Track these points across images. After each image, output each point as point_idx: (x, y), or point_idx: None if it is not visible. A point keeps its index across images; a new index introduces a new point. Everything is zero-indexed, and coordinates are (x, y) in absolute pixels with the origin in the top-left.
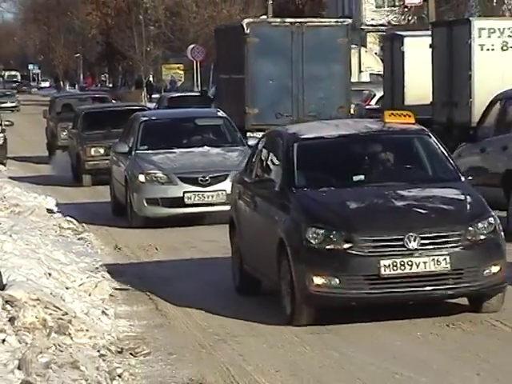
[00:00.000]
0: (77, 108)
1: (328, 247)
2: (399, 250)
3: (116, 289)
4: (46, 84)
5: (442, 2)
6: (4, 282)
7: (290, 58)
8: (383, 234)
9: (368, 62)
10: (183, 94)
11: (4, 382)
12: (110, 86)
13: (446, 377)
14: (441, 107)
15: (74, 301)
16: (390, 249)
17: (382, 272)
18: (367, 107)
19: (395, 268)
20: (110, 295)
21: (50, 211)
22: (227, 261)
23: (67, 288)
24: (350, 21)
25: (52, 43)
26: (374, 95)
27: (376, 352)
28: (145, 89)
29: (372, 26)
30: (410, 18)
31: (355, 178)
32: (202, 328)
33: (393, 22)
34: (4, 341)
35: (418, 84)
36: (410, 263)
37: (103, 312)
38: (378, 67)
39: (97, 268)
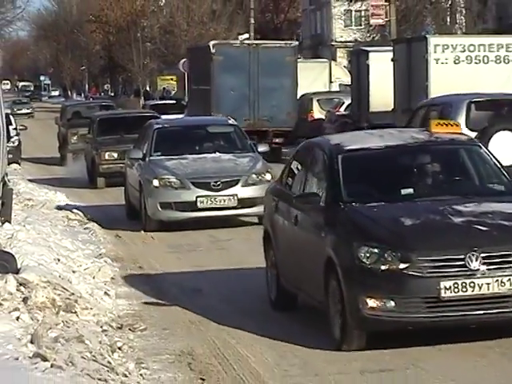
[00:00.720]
0: (92, 114)
1: (383, 267)
2: (460, 271)
3: (116, 271)
4: (56, 93)
5: (402, 21)
6: (18, 266)
7: (248, 72)
8: (443, 254)
9: (337, 74)
10: (162, 102)
11: (18, 354)
12: (112, 94)
13: None
14: (401, 113)
15: (80, 283)
16: (450, 269)
17: (442, 294)
18: (337, 113)
19: (456, 290)
20: (112, 278)
21: (59, 208)
22: (214, 245)
23: (74, 272)
24: (296, 43)
25: (61, 57)
26: (343, 103)
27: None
28: (142, 97)
29: (341, 42)
30: (374, 35)
31: (404, 192)
32: (192, 305)
33: (359, 39)
34: (18, 318)
35: (382, 93)
36: (471, 285)
37: (105, 293)
38: (346, 78)
39: (100, 254)
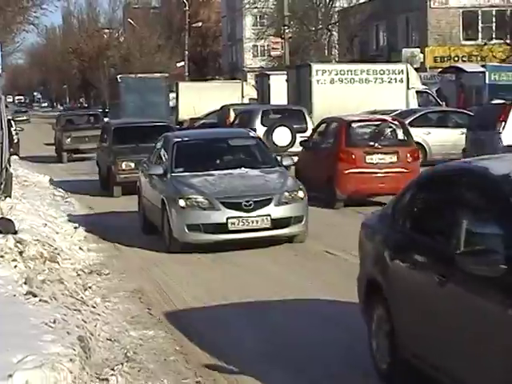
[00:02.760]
0: (106, 123)
1: None
2: None
3: (88, 232)
4: (45, 104)
5: (293, 53)
6: (16, 229)
7: (140, 93)
8: None
9: (248, 91)
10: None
11: (15, 292)
12: (86, 105)
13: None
14: None
15: (61, 241)
16: None
17: None
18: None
19: None
20: (84, 237)
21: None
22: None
23: (57, 233)
24: (166, 75)
25: (48, 79)
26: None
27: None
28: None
29: (250, 68)
30: (274, 63)
31: None
32: (142, 257)
33: (263, 66)
34: (16, 266)
35: (279, 103)
36: None
37: (80, 248)
38: (254, 94)
39: (76, 220)
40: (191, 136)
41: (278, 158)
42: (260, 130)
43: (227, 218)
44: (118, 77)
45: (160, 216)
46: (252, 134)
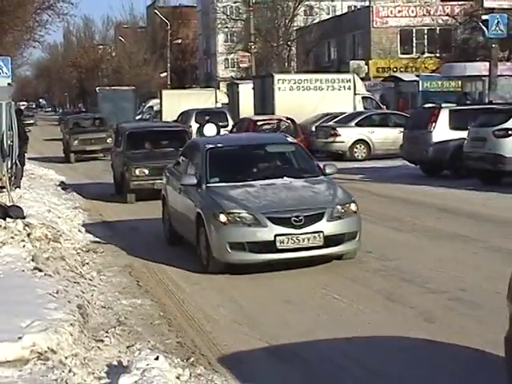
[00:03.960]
0: (120, 127)
1: None
2: None
3: (86, 217)
4: (49, 109)
5: (259, 65)
6: (24, 214)
7: (115, 101)
8: None
9: (220, 97)
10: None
11: (24, 268)
12: (84, 110)
13: None
14: None
15: (63, 224)
16: None
17: None
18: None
19: None
20: (83, 221)
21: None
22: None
23: (59, 217)
24: (133, 87)
25: (52, 87)
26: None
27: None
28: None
29: (223, 78)
30: (242, 74)
31: None
32: (134, 236)
33: (233, 76)
34: (24, 246)
35: (246, 108)
36: None
37: (79, 230)
38: (226, 100)
39: (75, 207)
40: (224, 142)
41: (321, 165)
42: (194, 126)
43: (275, 236)
44: (97, 89)
45: (194, 231)
46: (290, 139)
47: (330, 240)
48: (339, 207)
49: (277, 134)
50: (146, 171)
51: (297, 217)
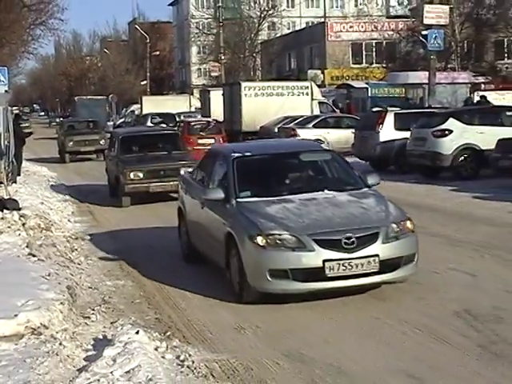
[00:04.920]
0: (113, 132)
1: None
2: None
3: (74, 209)
4: (42, 113)
5: (228, 74)
6: (20, 206)
7: (90, 107)
8: None
9: (194, 102)
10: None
11: (19, 254)
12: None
13: None
14: (228, 122)
15: (54, 215)
16: None
17: None
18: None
19: None
20: (72, 212)
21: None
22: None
23: (51, 209)
24: (104, 97)
25: (44, 94)
26: (196, 117)
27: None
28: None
29: (196, 85)
30: (213, 81)
31: None
32: (118, 225)
33: (205, 84)
34: (19, 234)
35: (217, 112)
36: None
37: (68, 220)
38: (199, 105)
39: (65, 200)
40: (252, 150)
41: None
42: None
43: (324, 261)
44: (76, 98)
45: (223, 253)
46: (325, 145)
47: (386, 265)
48: (394, 226)
49: (309, 140)
50: (141, 174)
51: (348, 238)
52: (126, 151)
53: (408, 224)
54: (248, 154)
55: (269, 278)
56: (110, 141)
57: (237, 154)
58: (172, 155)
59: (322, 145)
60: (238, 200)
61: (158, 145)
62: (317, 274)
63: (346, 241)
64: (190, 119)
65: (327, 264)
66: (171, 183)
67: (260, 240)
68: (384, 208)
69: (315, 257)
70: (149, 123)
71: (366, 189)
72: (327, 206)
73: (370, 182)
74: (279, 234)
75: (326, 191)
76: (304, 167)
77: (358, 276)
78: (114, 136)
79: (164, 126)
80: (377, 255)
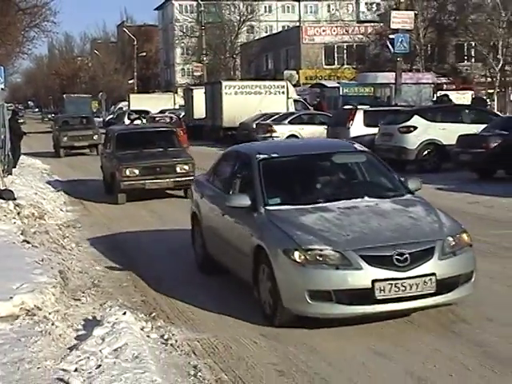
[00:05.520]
0: (109, 129)
1: None
2: None
3: (66, 199)
4: (36, 110)
5: (210, 73)
6: (15, 196)
7: (77, 104)
8: None
9: (178, 100)
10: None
11: (15, 240)
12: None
13: None
14: (209, 118)
15: (47, 205)
16: None
17: None
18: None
19: None
20: (64, 202)
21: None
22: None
23: (44, 199)
24: (90, 95)
25: (38, 92)
26: (180, 114)
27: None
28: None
29: (180, 84)
30: (196, 80)
31: None
32: (107, 215)
33: (189, 83)
34: (15, 222)
35: (200, 109)
36: None
37: (61, 209)
38: (182, 102)
39: (58, 190)
40: (279, 150)
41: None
42: (126, 121)
43: (373, 281)
44: (64, 96)
45: (250, 267)
46: (358, 146)
47: (443, 285)
48: (450, 239)
49: (340, 140)
50: (137, 171)
51: (400, 255)
52: (121, 148)
53: (465, 237)
54: (275, 155)
55: (308, 300)
56: (106, 138)
57: (262, 156)
58: (168, 152)
59: (356, 145)
60: (267, 208)
61: (153, 142)
62: (365, 296)
63: (398, 257)
64: (155, 115)
65: (377, 285)
66: (167, 180)
67: (298, 256)
68: (436, 218)
69: (363, 276)
70: (125, 119)
71: (409, 195)
72: (371, 215)
73: (411, 186)
74: (320, 250)
75: (366, 198)
76: (337, 170)
77: (412, 298)
78: (110, 133)
79: (139, 122)
80: (433, 274)
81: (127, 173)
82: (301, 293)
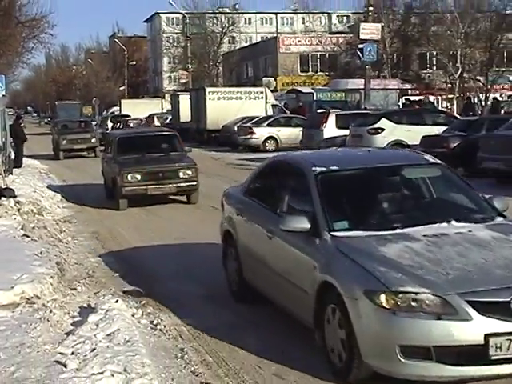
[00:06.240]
0: (110, 134)
1: None
2: None
3: (63, 197)
4: (35, 114)
5: (195, 80)
6: (16, 194)
7: (67, 110)
8: None
9: (165, 105)
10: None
11: (15, 235)
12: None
13: None
14: (194, 122)
15: (45, 202)
16: None
17: None
18: (165, 122)
19: None
20: (61, 199)
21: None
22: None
23: (42, 196)
24: (80, 102)
25: (37, 98)
26: (167, 118)
27: None
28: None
29: (168, 90)
30: (182, 87)
31: None
32: (99, 211)
33: (175, 89)
34: (15, 218)
35: (185, 113)
36: None
37: (58, 206)
38: (169, 107)
39: (55, 189)
40: (338, 162)
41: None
42: (109, 125)
43: (487, 336)
44: (56, 103)
45: (311, 308)
46: (430, 158)
47: None
48: None
49: (407, 151)
50: (139, 176)
51: None
52: (123, 153)
53: None
54: (334, 167)
55: (400, 358)
56: (106, 142)
57: (320, 169)
58: (170, 157)
59: (426, 156)
60: (335, 235)
61: (155, 146)
62: (475, 354)
63: None
64: (128, 119)
65: (492, 340)
66: (169, 185)
67: (385, 300)
68: None
69: (473, 328)
70: (109, 122)
71: (500, 218)
72: (468, 246)
73: (499, 206)
74: (415, 293)
75: (453, 223)
76: (409, 187)
77: None
78: (111, 137)
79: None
80: None
81: (129, 178)
82: (390, 348)
